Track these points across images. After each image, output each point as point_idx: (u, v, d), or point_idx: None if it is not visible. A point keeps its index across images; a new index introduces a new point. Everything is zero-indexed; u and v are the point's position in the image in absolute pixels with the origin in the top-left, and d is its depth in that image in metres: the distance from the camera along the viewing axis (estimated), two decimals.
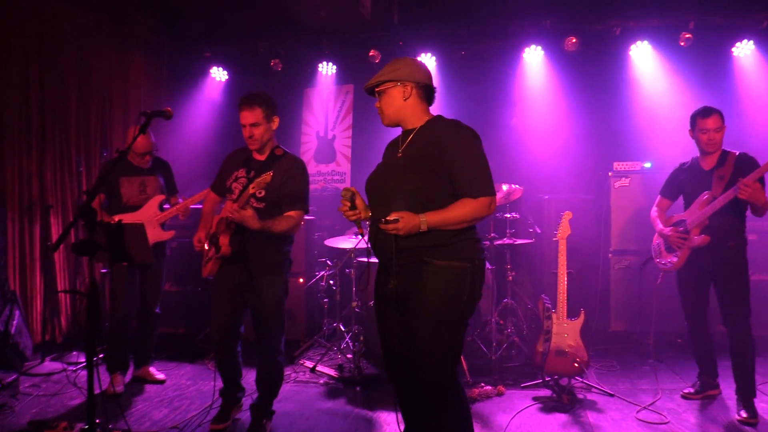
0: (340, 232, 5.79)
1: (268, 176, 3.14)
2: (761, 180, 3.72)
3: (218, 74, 7.14)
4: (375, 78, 2.74)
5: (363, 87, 2.82)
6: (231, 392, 3.71)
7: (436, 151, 2.57)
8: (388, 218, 2.44)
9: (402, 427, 2.76)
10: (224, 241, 3.29)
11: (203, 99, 7.05)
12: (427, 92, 2.74)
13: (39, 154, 5.30)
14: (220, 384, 3.71)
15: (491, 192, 2.55)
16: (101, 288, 5.57)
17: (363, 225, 2.75)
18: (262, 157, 3.54)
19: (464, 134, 2.61)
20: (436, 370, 2.50)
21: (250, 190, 3.17)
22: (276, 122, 3.51)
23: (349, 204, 2.66)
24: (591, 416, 3.81)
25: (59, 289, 5.45)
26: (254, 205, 3.32)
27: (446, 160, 2.55)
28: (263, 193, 3.36)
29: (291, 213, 3.40)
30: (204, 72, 7.12)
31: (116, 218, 3.31)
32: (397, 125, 2.77)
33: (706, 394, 4.10)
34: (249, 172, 3.46)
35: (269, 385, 3.60)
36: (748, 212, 3.87)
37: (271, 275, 3.46)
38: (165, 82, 6.93)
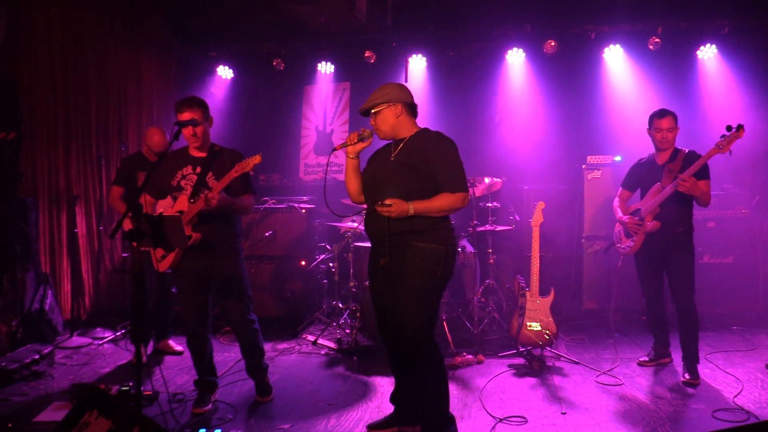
0: (339, 220, 6.32)
1: (257, 158, 3.61)
2: (705, 173, 4.27)
3: (224, 72, 7.65)
4: (369, 102, 3.31)
5: (359, 110, 3.40)
6: (205, 380, 4.00)
7: (424, 156, 3.20)
8: (384, 202, 3.08)
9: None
10: (189, 231, 3.66)
11: (210, 96, 7.54)
12: (412, 108, 3.35)
13: (65, 148, 5.85)
14: (231, 357, 4.23)
15: (466, 189, 3.22)
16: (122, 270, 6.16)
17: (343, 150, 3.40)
18: (203, 154, 3.85)
19: (446, 143, 3.25)
20: (417, 328, 3.18)
21: (233, 174, 3.60)
22: (212, 122, 3.91)
23: (356, 137, 3.30)
24: (556, 380, 4.41)
25: (82, 270, 6.02)
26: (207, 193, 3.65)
27: (431, 163, 3.18)
28: (215, 182, 3.72)
29: (245, 196, 3.91)
30: (211, 71, 7.63)
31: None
32: (392, 138, 3.37)
33: (659, 361, 4.67)
34: (195, 168, 3.80)
35: (256, 348, 4.06)
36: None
37: (232, 256, 3.91)
38: (174, 80, 7.45)
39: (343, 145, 3.35)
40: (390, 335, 3.40)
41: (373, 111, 3.31)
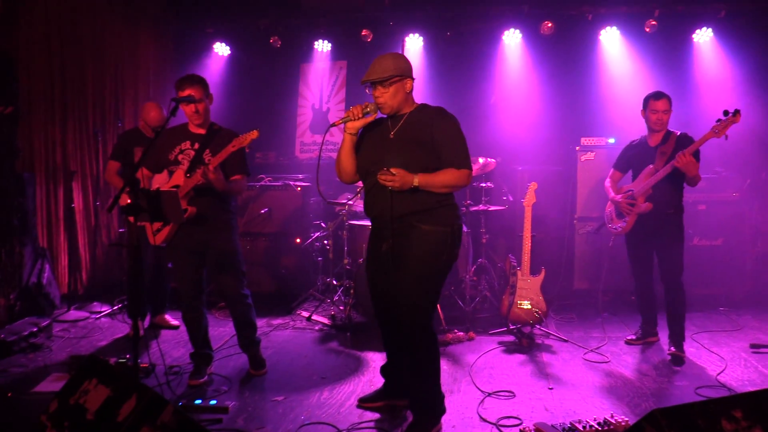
0: (334, 197, 6.36)
1: (254, 133, 3.65)
2: (696, 155, 4.33)
3: (221, 49, 7.62)
4: (382, 71, 3.09)
5: (365, 79, 3.15)
6: (201, 352, 4.10)
7: (428, 131, 3.11)
8: (390, 170, 2.96)
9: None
10: (184, 205, 3.70)
11: (206, 73, 7.50)
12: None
13: (62, 123, 5.87)
14: (226, 331, 4.29)
15: (470, 166, 3.15)
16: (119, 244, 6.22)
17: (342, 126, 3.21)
18: (202, 131, 3.90)
19: (450, 118, 3.17)
20: (417, 312, 3.14)
21: (231, 149, 3.64)
22: (212, 99, 3.95)
23: (360, 111, 3.12)
24: (545, 356, 4.50)
25: (79, 244, 6.07)
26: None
27: (436, 138, 3.10)
28: (213, 159, 3.76)
29: (237, 177, 3.93)
30: (207, 47, 7.60)
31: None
32: (395, 113, 3.22)
33: (646, 340, 4.77)
34: (194, 144, 3.86)
35: (248, 323, 4.13)
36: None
37: (227, 231, 3.97)
38: (171, 57, 7.44)
39: (345, 120, 3.16)
40: (386, 317, 3.38)
41: (385, 82, 3.11)
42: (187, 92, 3.77)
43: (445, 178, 3.08)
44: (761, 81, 6.46)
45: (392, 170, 2.97)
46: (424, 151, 3.10)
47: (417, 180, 3.02)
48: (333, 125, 3.28)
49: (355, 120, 3.15)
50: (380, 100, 3.14)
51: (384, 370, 3.66)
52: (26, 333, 4.65)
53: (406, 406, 3.51)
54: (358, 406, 3.60)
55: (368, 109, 3.14)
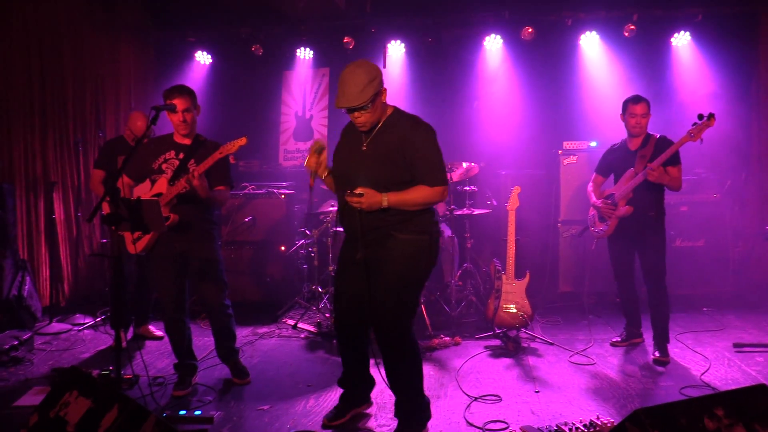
0: (317, 205, 6.35)
1: (243, 140, 3.65)
2: (676, 159, 4.37)
3: (202, 58, 7.60)
4: (361, 97, 2.90)
5: (343, 106, 2.94)
6: (185, 363, 4.06)
7: (399, 145, 2.99)
8: (354, 191, 2.93)
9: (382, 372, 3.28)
10: (166, 212, 3.66)
11: (188, 81, 7.47)
12: None
13: (42, 134, 5.81)
14: (210, 341, 4.23)
15: (444, 182, 3.05)
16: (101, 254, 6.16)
17: (316, 180, 3.27)
18: (188, 141, 3.87)
19: (423, 130, 3.04)
20: (396, 322, 3.11)
21: (218, 155, 3.63)
22: (199, 110, 3.95)
23: (315, 159, 3.09)
24: (531, 360, 4.51)
25: (60, 256, 6.00)
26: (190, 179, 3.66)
27: (408, 152, 2.99)
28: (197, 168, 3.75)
29: (221, 188, 3.92)
30: (189, 56, 7.56)
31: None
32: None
33: (631, 342, 4.79)
34: (178, 154, 3.84)
35: (229, 332, 4.12)
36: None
37: (209, 241, 3.96)
38: (152, 66, 7.39)
39: (313, 175, 3.20)
40: (352, 326, 3.32)
41: (369, 105, 2.94)
42: (177, 101, 3.75)
43: (416, 195, 3.02)
44: (738, 83, 6.56)
45: (360, 190, 2.93)
46: (393, 167, 3.01)
47: (386, 202, 2.96)
48: (311, 188, 3.30)
49: (316, 168, 3.14)
50: (360, 120, 3.02)
51: (342, 381, 3.57)
52: (7, 346, 4.58)
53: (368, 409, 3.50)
54: (324, 427, 3.40)
55: (318, 147, 3.14)
